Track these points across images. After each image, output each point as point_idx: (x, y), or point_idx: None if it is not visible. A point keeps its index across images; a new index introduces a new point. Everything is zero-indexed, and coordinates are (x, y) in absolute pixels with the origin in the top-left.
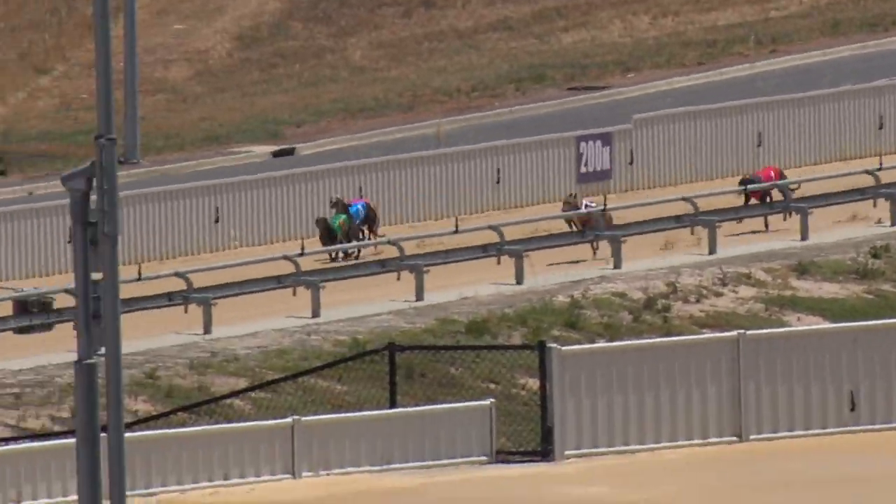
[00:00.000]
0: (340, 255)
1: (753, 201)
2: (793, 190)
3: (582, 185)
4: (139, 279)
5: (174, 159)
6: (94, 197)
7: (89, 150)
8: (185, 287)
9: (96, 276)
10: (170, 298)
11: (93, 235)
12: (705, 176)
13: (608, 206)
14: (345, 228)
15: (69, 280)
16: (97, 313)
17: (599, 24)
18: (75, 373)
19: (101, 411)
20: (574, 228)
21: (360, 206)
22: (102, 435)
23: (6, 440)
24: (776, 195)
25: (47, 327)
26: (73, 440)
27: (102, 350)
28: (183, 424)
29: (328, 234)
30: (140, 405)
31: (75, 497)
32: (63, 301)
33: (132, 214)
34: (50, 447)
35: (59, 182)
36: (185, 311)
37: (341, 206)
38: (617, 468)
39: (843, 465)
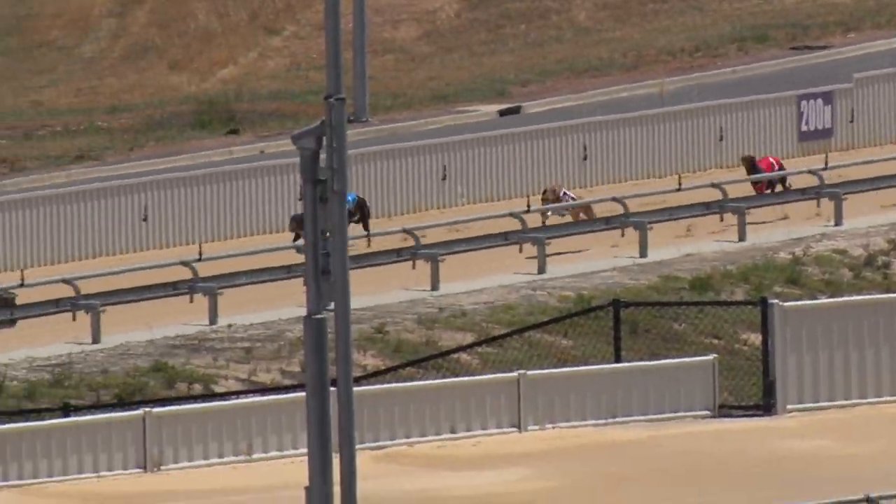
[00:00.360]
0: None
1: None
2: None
3: (802, 143)
4: (368, 235)
5: (402, 118)
6: (323, 155)
7: (319, 109)
8: (412, 243)
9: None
10: (398, 254)
11: (322, 193)
12: None
13: (829, 165)
14: None
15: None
16: (326, 269)
17: None
18: (305, 327)
19: (331, 365)
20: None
21: (350, 198)
22: (332, 389)
23: (237, 394)
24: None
25: (11, 323)
26: (302, 394)
27: (332, 305)
28: (411, 378)
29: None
30: (369, 359)
31: (305, 450)
32: (27, 297)
33: (361, 172)
34: (280, 401)
35: (290, 141)
36: (413, 267)
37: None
38: (838, 422)
39: None
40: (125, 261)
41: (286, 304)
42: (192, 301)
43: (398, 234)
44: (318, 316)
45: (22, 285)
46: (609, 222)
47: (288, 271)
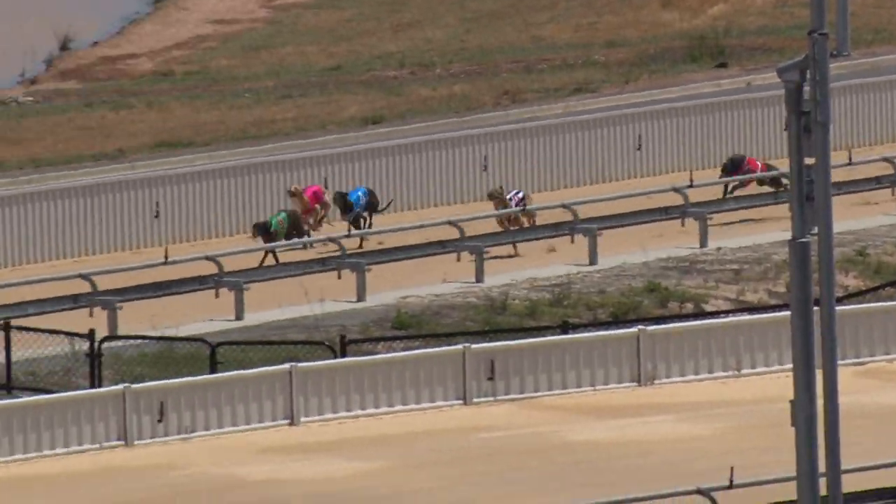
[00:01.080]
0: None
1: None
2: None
3: None
4: (849, 164)
5: (883, 52)
6: (807, 88)
7: (803, 43)
8: (892, 171)
9: (809, 161)
10: (877, 181)
11: (806, 123)
12: None
13: None
14: (283, 226)
15: (783, 165)
16: (810, 195)
17: None
18: (790, 250)
19: (814, 286)
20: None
21: (360, 193)
22: (815, 308)
23: (727, 312)
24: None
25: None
26: (787, 313)
27: (815, 229)
28: (891, 298)
29: (267, 238)
30: (850, 280)
31: (790, 366)
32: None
33: (842, 104)
34: (766, 319)
35: (775, 74)
36: (893, 194)
37: (299, 196)
38: None
39: None
40: (622, 187)
41: (772, 229)
42: (683, 225)
43: (878, 162)
44: (803, 240)
45: (523, 210)
46: None
47: (774, 198)
